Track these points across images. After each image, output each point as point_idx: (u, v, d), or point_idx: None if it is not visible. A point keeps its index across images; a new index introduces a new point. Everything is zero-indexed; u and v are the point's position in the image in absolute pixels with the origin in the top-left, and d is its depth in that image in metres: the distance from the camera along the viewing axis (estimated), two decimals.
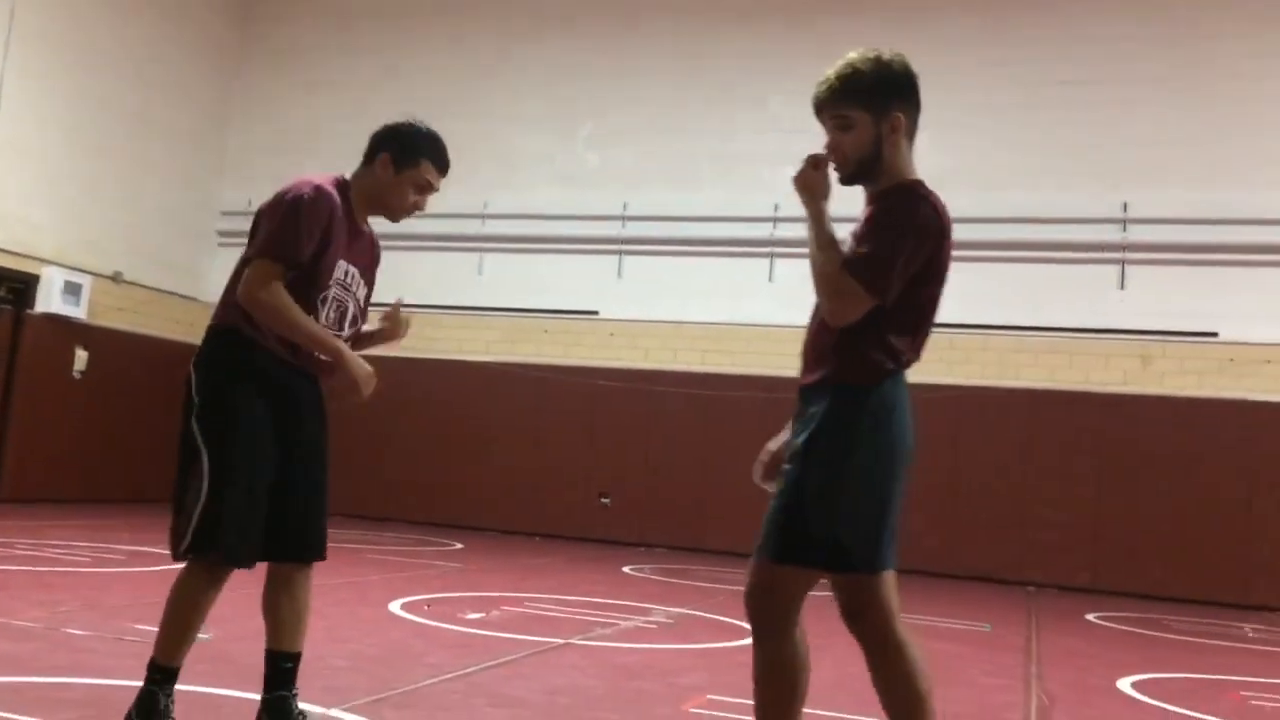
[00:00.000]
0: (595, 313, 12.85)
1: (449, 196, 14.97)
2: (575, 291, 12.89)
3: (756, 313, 12.18)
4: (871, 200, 2.75)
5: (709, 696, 4.12)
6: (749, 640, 5.99)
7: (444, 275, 13.34)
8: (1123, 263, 11.40)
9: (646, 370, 12.43)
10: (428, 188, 3.26)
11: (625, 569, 9.05)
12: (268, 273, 2.92)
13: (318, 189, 3.10)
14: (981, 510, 11.35)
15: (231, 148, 14.48)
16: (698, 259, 12.58)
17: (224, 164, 14.43)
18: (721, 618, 6.55)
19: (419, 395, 13.08)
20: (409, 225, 14.75)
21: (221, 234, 14.35)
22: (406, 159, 3.28)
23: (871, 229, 2.64)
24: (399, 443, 13.05)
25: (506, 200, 13.19)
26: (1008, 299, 11.56)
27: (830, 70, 2.68)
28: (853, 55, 2.67)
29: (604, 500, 12.40)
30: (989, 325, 11.60)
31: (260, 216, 3.08)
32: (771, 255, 12.34)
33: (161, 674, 2.87)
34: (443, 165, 3.33)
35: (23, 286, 11.63)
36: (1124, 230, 11.43)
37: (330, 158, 15.13)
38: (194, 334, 13.88)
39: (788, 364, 12.56)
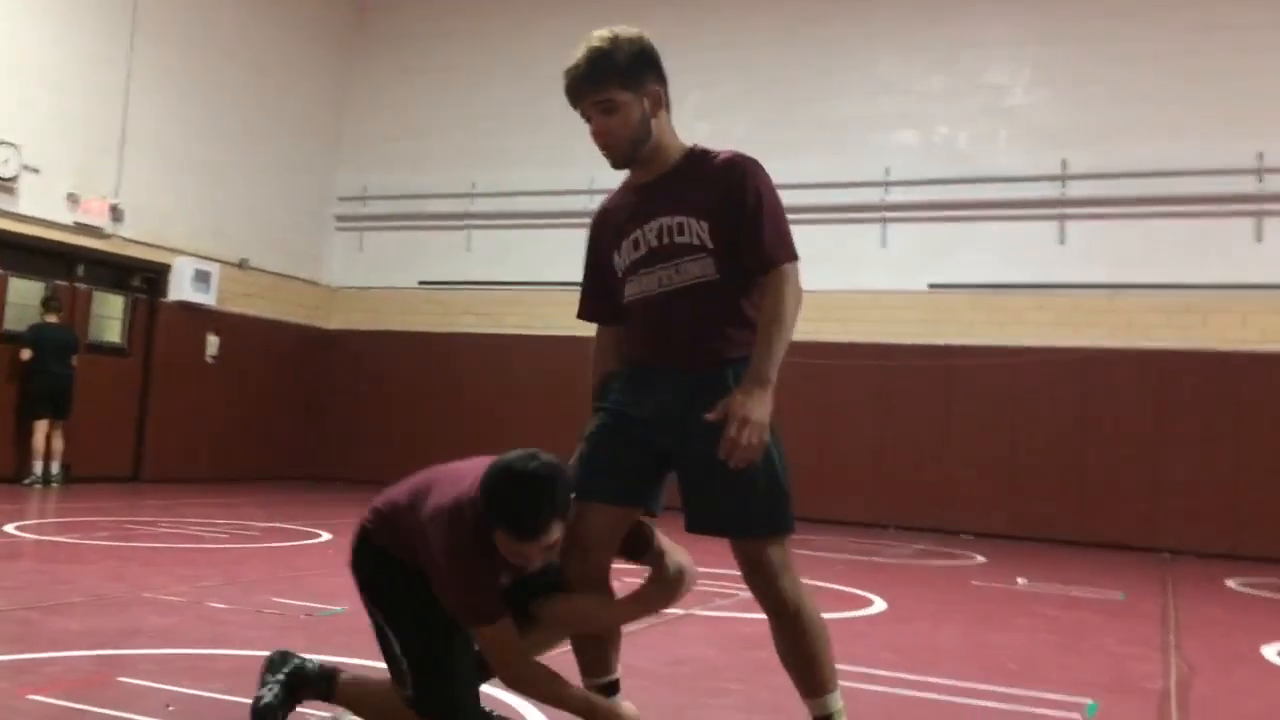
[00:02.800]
0: None
1: (557, 173, 15.12)
2: None
3: (869, 280, 11.97)
4: (683, 172, 2.64)
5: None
6: (868, 610, 5.91)
7: (552, 252, 13.44)
8: (1259, 214, 10.83)
9: None
10: (528, 555, 2.46)
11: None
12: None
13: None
14: (1112, 475, 10.97)
15: (347, 134, 14.82)
16: (809, 226, 12.36)
17: (340, 150, 14.79)
18: (839, 586, 6.49)
19: (534, 371, 13.25)
20: (517, 204, 14.85)
21: (338, 219, 14.74)
22: (503, 529, 2.47)
23: (759, 202, 2.57)
24: (518, 418, 13.24)
25: (614, 174, 13.15)
26: (1135, 257, 11.12)
27: (577, 58, 2.59)
28: (594, 40, 2.59)
29: None
30: (1116, 285, 11.18)
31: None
32: (884, 220, 12.10)
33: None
34: (522, 530, 2.42)
35: (155, 276, 12.14)
36: (1260, 181, 10.86)
37: (442, 141, 15.50)
38: (316, 317, 14.41)
39: (901, 330, 12.45)
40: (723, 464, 2.46)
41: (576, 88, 2.61)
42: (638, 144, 2.62)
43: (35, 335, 10.46)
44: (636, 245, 2.65)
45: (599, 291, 2.79)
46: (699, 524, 2.58)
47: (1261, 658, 4.97)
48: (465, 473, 2.64)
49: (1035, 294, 11.47)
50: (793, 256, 2.59)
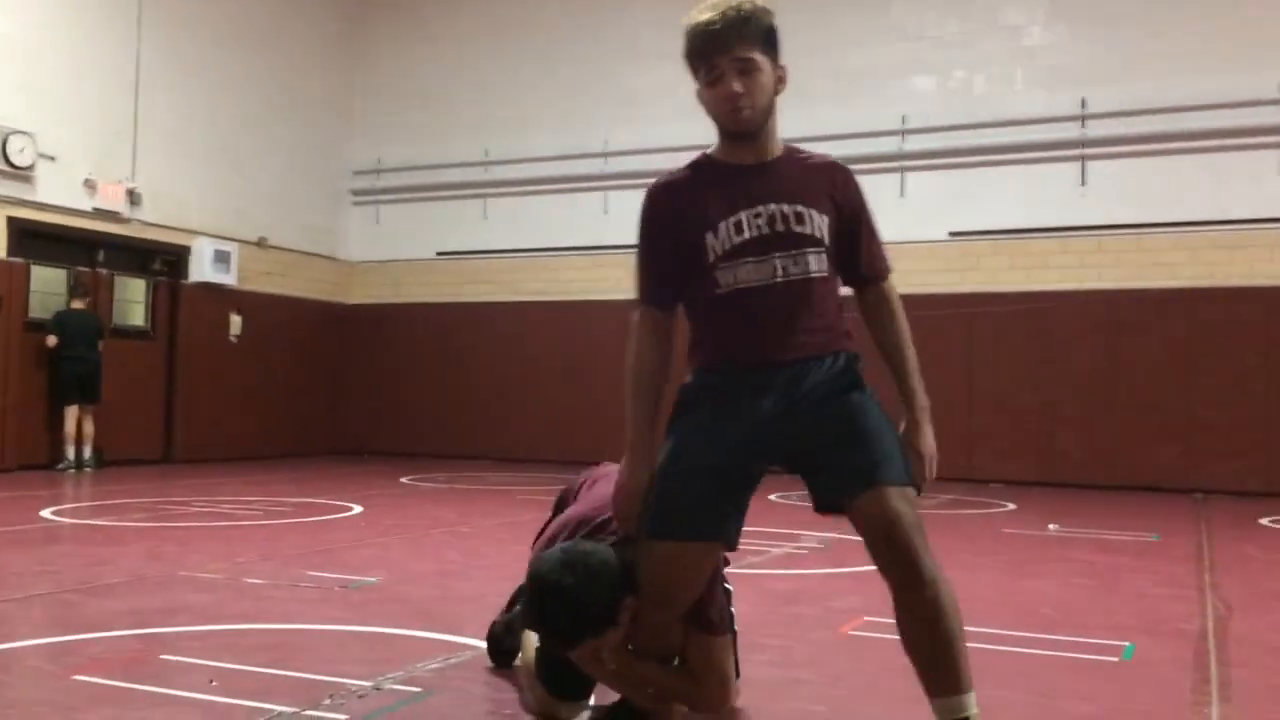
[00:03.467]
0: None
1: (571, 136, 15.04)
2: None
3: (889, 230, 11.71)
4: (791, 162, 2.50)
5: (866, 618, 4.08)
6: None
7: (570, 217, 13.40)
8: None
9: None
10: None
11: (772, 497, 9.04)
12: None
13: None
14: (1142, 417, 10.89)
15: (358, 108, 14.77)
16: None
17: (353, 125, 14.75)
18: None
19: (555, 337, 13.26)
20: (531, 170, 14.79)
21: (354, 193, 14.72)
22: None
23: (862, 207, 2.52)
24: (541, 384, 13.27)
25: (628, 137, 13.11)
26: (1158, 195, 10.96)
27: (712, 15, 2.41)
28: (731, 2, 2.41)
29: None
30: (1139, 225, 11.04)
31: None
32: (902, 170, 11.97)
33: None
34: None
35: (176, 258, 12.19)
36: None
37: (454, 110, 15.43)
38: (336, 293, 14.45)
39: (924, 280, 12.33)
40: (846, 428, 2.35)
41: (719, 39, 2.38)
42: (766, 114, 2.45)
43: (60, 321, 10.54)
44: (740, 229, 2.39)
45: (667, 274, 2.53)
46: (833, 491, 2.35)
47: None
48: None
49: (1058, 237, 11.35)
50: (889, 272, 2.59)
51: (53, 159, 10.74)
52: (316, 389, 14.05)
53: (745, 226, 2.39)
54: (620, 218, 13.14)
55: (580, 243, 13.34)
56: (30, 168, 10.51)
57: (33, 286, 10.75)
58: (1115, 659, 3.58)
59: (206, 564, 5.12)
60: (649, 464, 2.45)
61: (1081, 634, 3.96)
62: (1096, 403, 11.08)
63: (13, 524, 6.60)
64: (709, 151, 2.54)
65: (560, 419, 13.21)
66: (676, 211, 2.48)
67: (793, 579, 5.15)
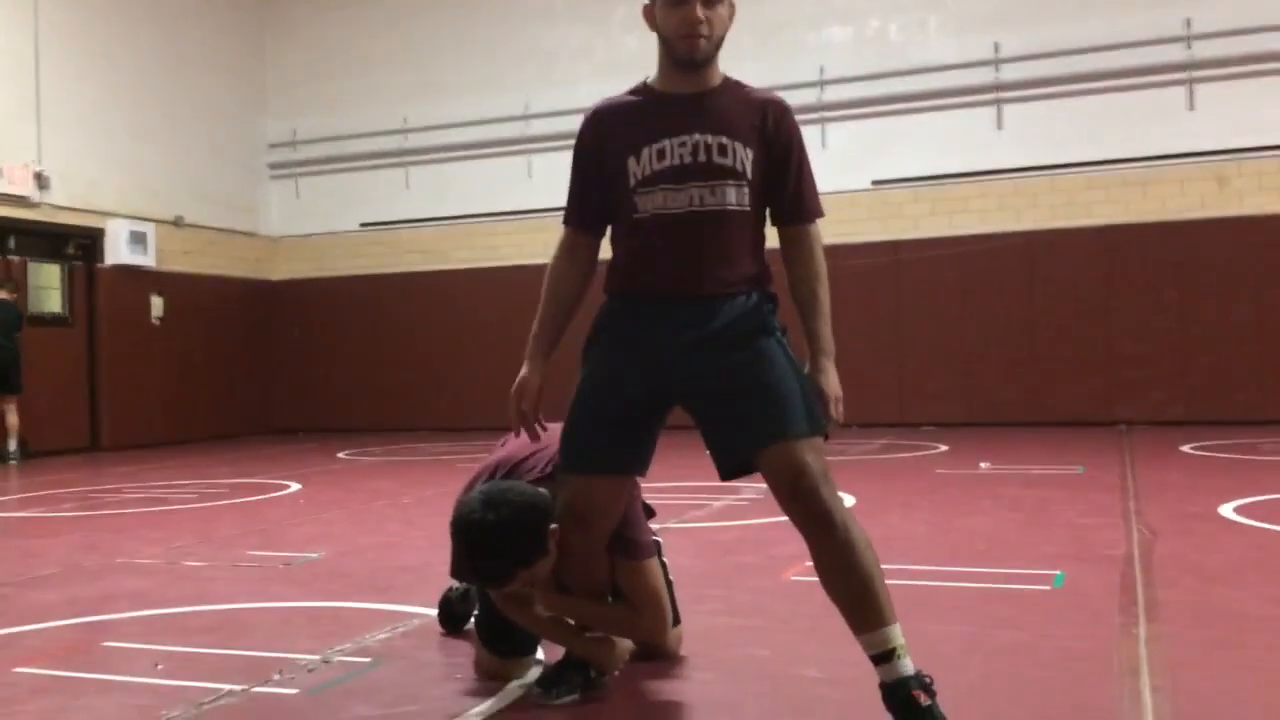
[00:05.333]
0: None
1: (490, 101, 14.86)
2: None
3: None
4: (726, 93, 2.47)
5: (806, 564, 4.15)
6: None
7: (494, 182, 13.28)
8: (1190, 82, 10.92)
9: None
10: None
11: (708, 451, 9.15)
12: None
13: None
14: (1065, 354, 11.19)
15: (271, 80, 14.44)
16: None
17: (266, 97, 14.41)
18: None
19: (484, 304, 13.17)
20: (453, 135, 14.60)
21: (271, 167, 14.42)
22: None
23: (794, 145, 2.46)
24: (472, 353, 13.20)
25: (548, 98, 13.00)
26: (1071, 136, 11.19)
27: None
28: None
29: None
30: (1054, 165, 11.27)
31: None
32: (822, 121, 12.04)
33: None
34: (472, 581, 2.77)
35: (90, 241, 11.86)
36: (1189, 48, 10.92)
37: (366, 75, 15.11)
38: (258, 270, 14.18)
39: (849, 230, 12.44)
40: (751, 379, 2.34)
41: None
42: (719, 46, 2.44)
43: None
44: (662, 155, 2.39)
45: (590, 196, 2.53)
46: (738, 445, 2.36)
47: (1219, 516, 5.14)
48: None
49: (977, 182, 11.54)
50: (818, 215, 2.51)
51: None
52: (245, 368, 13.82)
53: (668, 154, 2.39)
54: (544, 181, 13.07)
55: (505, 208, 13.23)
56: None
57: None
58: (1047, 587, 3.71)
59: (143, 550, 5.05)
60: (543, 363, 2.58)
61: (1014, 565, 4.09)
62: (1021, 342, 11.34)
63: None
64: (649, 79, 2.53)
65: (493, 385, 13.09)
66: (608, 135, 2.47)
67: (734, 530, 5.23)
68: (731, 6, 2.46)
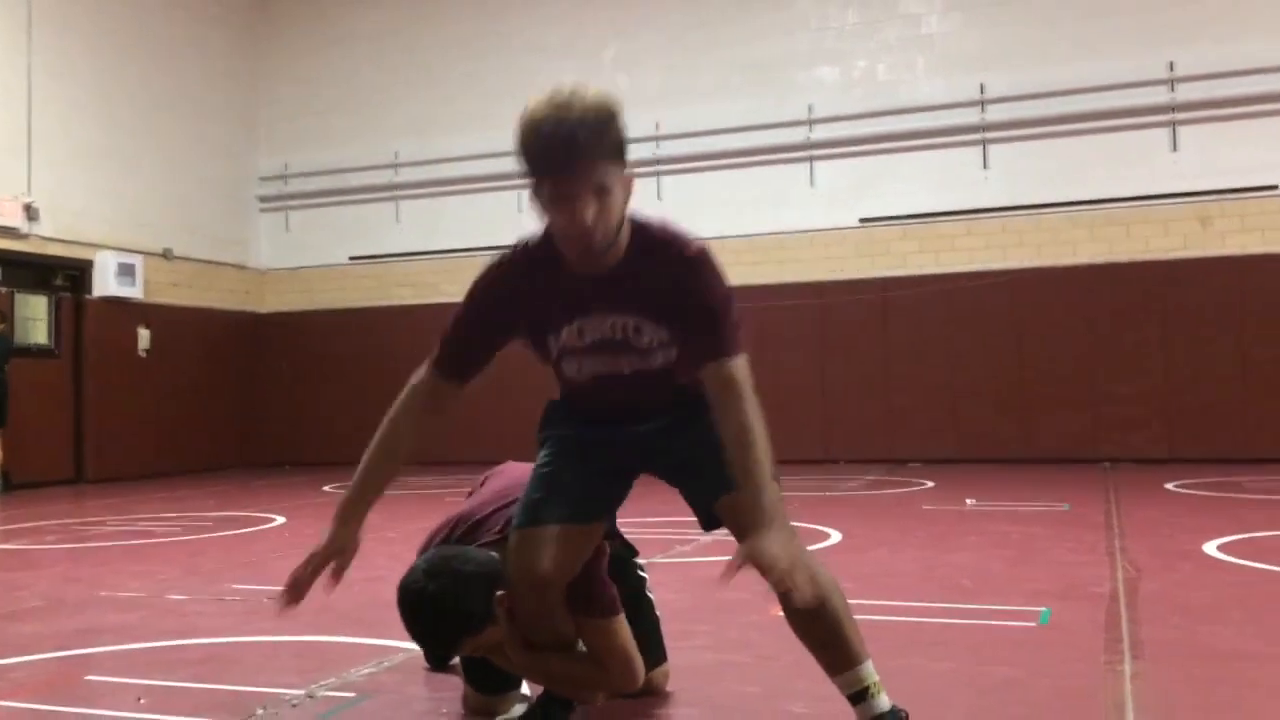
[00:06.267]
0: None
1: (481, 136, 14.93)
2: None
3: (800, 219, 12.06)
4: (635, 264, 2.22)
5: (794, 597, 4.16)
6: (826, 544, 6.01)
7: (484, 217, 13.33)
8: (1173, 124, 11.07)
9: None
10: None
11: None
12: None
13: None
14: (1050, 392, 11.24)
15: (262, 113, 14.50)
16: (736, 171, 12.43)
17: (256, 130, 14.48)
18: (798, 523, 6.59)
19: None
20: (444, 170, 14.68)
21: (261, 200, 14.46)
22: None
23: (709, 302, 2.21)
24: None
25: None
26: (1056, 176, 11.32)
27: (554, 117, 2.07)
28: (578, 101, 2.08)
29: None
30: (1040, 205, 11.39)
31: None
32: (810, 159, 12.16)
33: None
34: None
35: (78, 273, 11.86)
36: (1172, 90, 11.08)
37: (358, 111, 15.21)
38: (247, 302, 14.17)
39: (836, 267, 12.53)
40: (707, 442, 2.27)
41: (569, 155, 2.05)
42: (617, 232, 2.17)
43: None
44: (582, 334, 2.31)
45: (476, 353, 2.40)
46: (699, 503, 2.42)
47: (1203, 553, 5.16)
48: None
49: (963, 220, 11.65)
50: (741, 349, 2.26)
51: None
52: (231, 401, 13.78)
53: (586, 333, 2.31)
54: (535, 216, 13.12)
55: (495, 242, 13.25)
56: None
57: None
58: (1033, 624, 3.72)
59: (127, 583, 5.01)
60: (346, 535, 2.36)
61: (1000, 602, 4.09)
62: (1007, 379, 11.40)
63: None
64: (557, 244, 2.26)
65: (480, 420, 13.14)
66: (520, 303, 2.34)
67: (720, 564, 5.20)
68: (627, 184, 2.15)
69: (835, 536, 6.02)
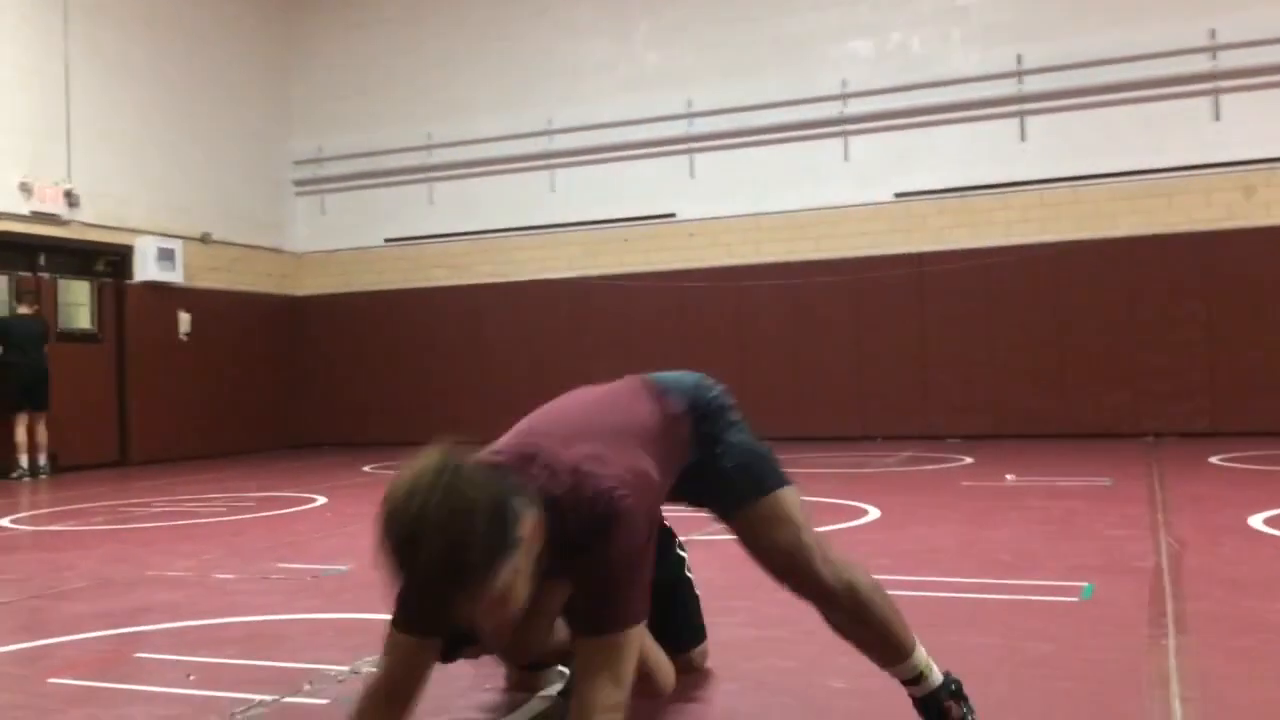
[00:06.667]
0: (673, 215, 12.76)
1: (514, 117, 14.91)
2: (650, 196, 12.80)
3: (835, 195, 11.98)
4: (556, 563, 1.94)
5: None
6: (863, 520, 6.00)
7: (517, 197, 13.36)
8: (1215, 93, 10.86)
9: (731, 267, 12.36)
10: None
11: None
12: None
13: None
14: (1091, 366, 11.12)
15: (295, 97, 14.58)
16: (770, 147, 12.36)
17: (292, 114, 14.56)
18: (833, 499, 6.59)
19: (508, 319, 13.24)
20: (475, 152, 14.65)
21: (297, 184, 14.56)
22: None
23: (604, 573, 1.94)
24: (497, 367, 13.25)
25: (571, 114, 13.08)
26: (1096, 147, 11.15)
27: (413, 562, 1.71)
28: (421, 514, 1.69)
29: None
30: (1079, 177, 11.23)
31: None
32: (844, 134, 12.06)
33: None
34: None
35: (119, 258, 12.00)
36: (1213, 58, 10.87)
37: (390, 93, 15.21)
38: (284, 285, 14.30)
39: (871, 243, 12.46)
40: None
41: (436, 611, 1.84)
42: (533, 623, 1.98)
43: (5, 328, 10.37)
44: None
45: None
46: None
47: (1248, 527, 5.10)
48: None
49: (1000, 194, 11.52)
50: (619, 629, 1.92)
51: None
52: (271, 383, 13.93)
53: None
54: (568, 195, 13.16)
55: (528, 222, 13.31)
56: None
57: None
58: (1075, 599, 3.69)
59: (173, 562, 5.10)
60: None
61: (1042, 577, 4.07)
62: (1047, 354, 11.29)
63: None
64: None
65: (515, 399, 13.18)
66: None
67: None
68: (518, 565, 1.78)
69: (873, 513, 6.01)
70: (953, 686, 2.28)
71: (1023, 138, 11.50)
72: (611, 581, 1.92)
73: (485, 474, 1.80)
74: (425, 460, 1.77)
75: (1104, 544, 4.82)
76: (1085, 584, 3.88)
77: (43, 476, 10.37)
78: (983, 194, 11.57)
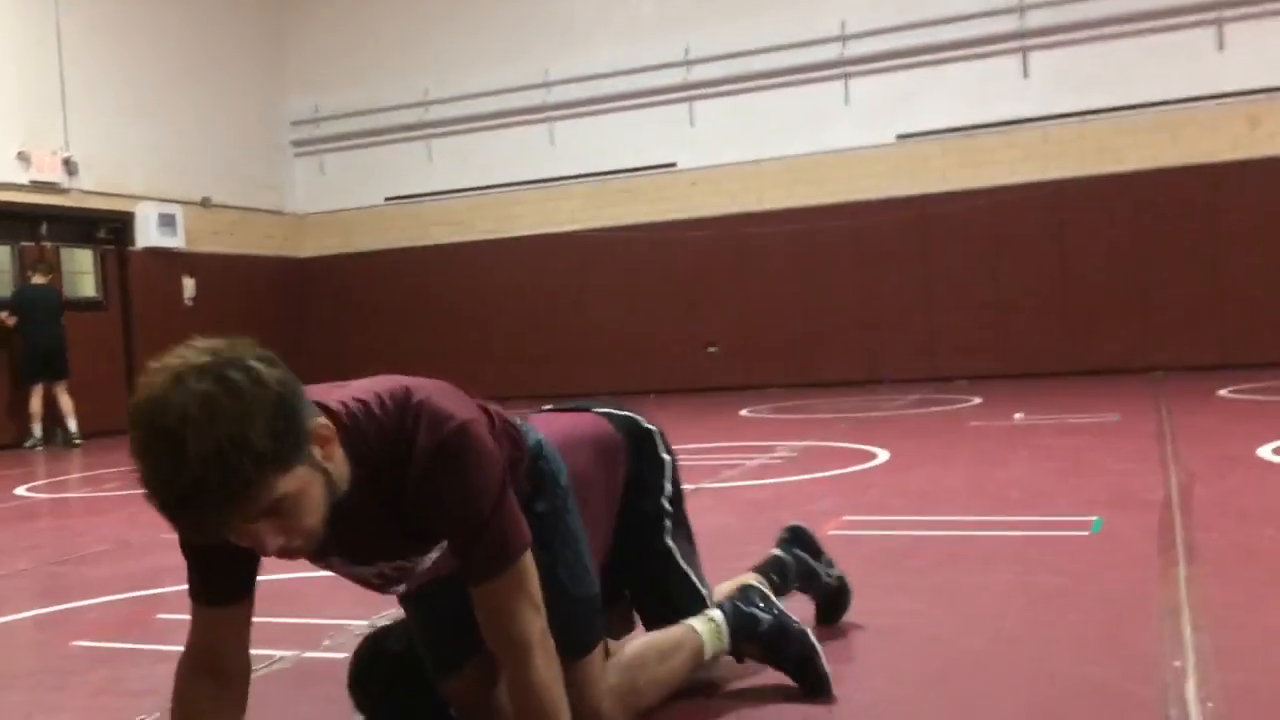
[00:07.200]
0: (673, 164, 12.68)
1: (510, 70, 14.77)
2: (650, 146, 12.71)
3: (836, 138, 11.87)
4: (368, 501, 1.72)
5: (845, 518, 4.19)
6: (873, 463, 6.01)
7: (516, 151, 13.27)
8: (1219, 21, 10.71)
9: (733, 215, 12.30)
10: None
11: (743, 412, 9.15)
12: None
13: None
14: (1097, 302, 11.09)
15: (290, 56, 14.45)
16: (769, 93, 12.24)
17: (285, 74, 14.44)
18: (843, 444, 6.62)
19: (510, 274, 13.21)
20: (472, 107, 14.53)
21: (295, 144, 14.48)
22: None
23: (462, 514, 1.74)
24: (501, 322, 13.26)
25: (568, 65, 12.96)
26: (1099, 81, 11.02)
27: (176, 460, 1.44)
28: (181, 411, 1.45)
29: (711, 349, 12.47)
30: (1082, 112, 11.12)
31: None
32: (845, 76, 11.93)
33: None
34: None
35: (120, 225, 11.98)
36: None
37: (385, 49, 15.02)
38: (287, 247, 14.27)
39: (874, 187, 12.36)
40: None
41: (201, 519, 1.49)
42: (330, 508, 1.63)
43: (19, 298, 10.42)
44: (361, 576, 1.96)
45: (229, 572, 1.82)
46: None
47: (1257, 458, 5.11)
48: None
49: (1004, 132, 11.41)
50: (513, 558, 1.75)
51: None
52: (276, 346, 13.74)
53: (363, 577, 1.96)
54: (567, 148, 13.07)
55: (528, 176, 13.24)
56: None
57: None
58: (1085, 533, 3.71)
59: None
60: None
61: (1051, 513, 4.09)
62: (1053, 292, 11.25)
63: None
64: None
65: (522, 354, 13.24)
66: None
67: (769, 488, 5.25)
68: (313, 460, 1.58)
69: (882, 456, 6.03)
70: (736, 619, 2.27)
71: (1025, 74, 11.37)
72: (483, 516, 1.72)
73: (272, 370, 1.59)
74: (190, 352, 1.56)
75: (1113, 478, 4.83)
76: (1095, 518, 3.90)
77: (77, 443, 10.39)
78: (986, 132, 11.47)
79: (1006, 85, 11.40)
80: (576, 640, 1.99)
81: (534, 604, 1.77)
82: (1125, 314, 11.00)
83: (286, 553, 1.60)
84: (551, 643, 1.78)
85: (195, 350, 1.54)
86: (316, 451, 1.60)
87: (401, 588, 2.03)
